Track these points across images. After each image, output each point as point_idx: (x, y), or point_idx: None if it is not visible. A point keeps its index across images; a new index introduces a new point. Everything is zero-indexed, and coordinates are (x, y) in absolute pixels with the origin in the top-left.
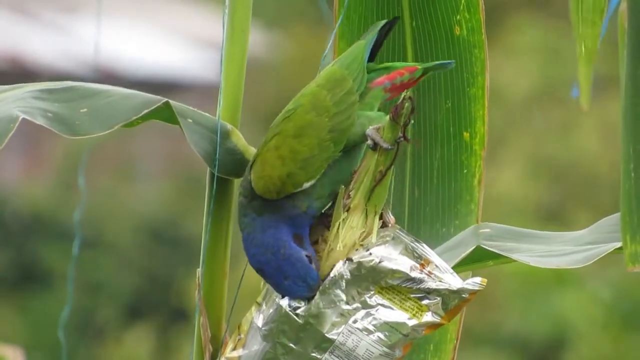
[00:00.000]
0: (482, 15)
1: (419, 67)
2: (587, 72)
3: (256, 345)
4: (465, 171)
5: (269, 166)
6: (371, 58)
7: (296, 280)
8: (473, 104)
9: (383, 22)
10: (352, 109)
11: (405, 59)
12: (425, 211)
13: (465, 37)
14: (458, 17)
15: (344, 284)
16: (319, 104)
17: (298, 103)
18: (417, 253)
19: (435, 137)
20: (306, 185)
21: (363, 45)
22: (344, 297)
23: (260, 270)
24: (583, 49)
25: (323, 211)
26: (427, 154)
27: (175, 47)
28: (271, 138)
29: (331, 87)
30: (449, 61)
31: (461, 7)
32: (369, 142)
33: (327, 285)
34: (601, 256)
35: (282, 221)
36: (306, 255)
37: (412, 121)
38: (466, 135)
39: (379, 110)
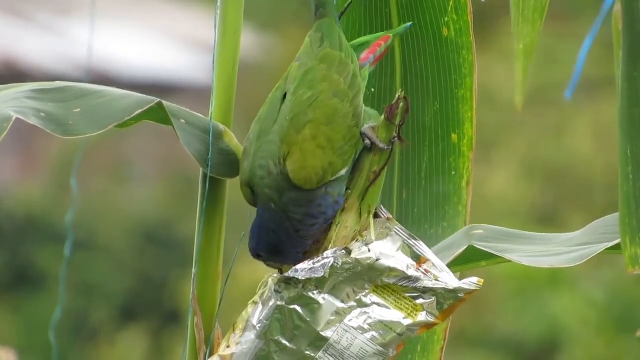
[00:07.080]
0: (470, 17)
1: (391, 35)
2: (523, 71)
3: (249, 342)
4: (453, 173)
5: (311, 156)
6: None
7: (250, 238)
8: (461, 105)
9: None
10: (361, 94)
11: (393, 59)
12: (414, 212)
13: (453, 38)
14: (446, 18)
15: (339, 279)
16: (338, 89)
17: (316, 89)
18: (413, 251)
19: (423, 139)
20: (342, 172)
21: (333, 23)
22: (339, 296)
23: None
24: (521, 46)
25: None
26: (415, 156)
27: (169, 49)
28: (304, 126)
29: (339, 70)
30: (409, 23)
31: (449, 8)
32: (366, 141)
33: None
34: (595, 254)
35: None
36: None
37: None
38: (454, 137)
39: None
